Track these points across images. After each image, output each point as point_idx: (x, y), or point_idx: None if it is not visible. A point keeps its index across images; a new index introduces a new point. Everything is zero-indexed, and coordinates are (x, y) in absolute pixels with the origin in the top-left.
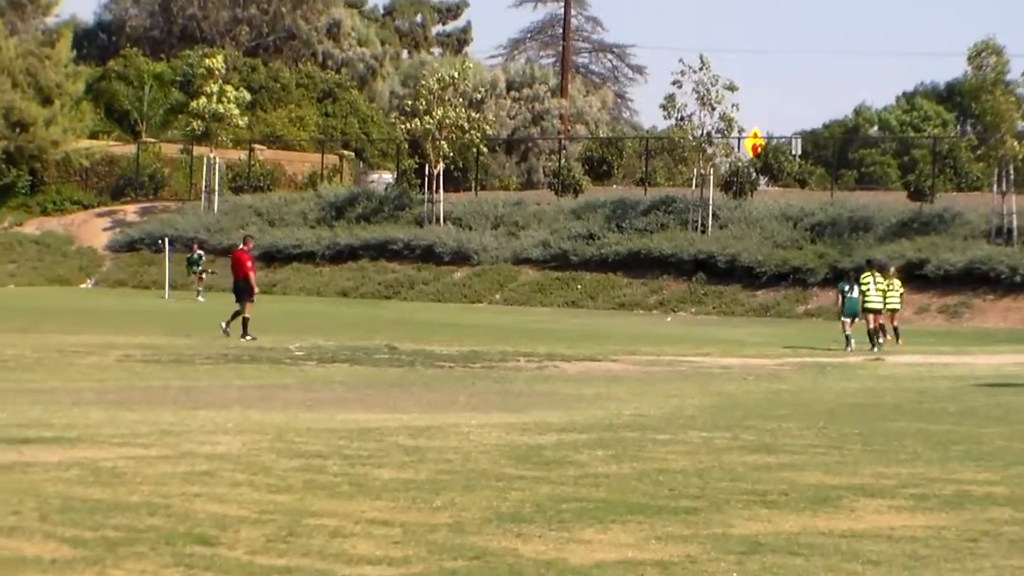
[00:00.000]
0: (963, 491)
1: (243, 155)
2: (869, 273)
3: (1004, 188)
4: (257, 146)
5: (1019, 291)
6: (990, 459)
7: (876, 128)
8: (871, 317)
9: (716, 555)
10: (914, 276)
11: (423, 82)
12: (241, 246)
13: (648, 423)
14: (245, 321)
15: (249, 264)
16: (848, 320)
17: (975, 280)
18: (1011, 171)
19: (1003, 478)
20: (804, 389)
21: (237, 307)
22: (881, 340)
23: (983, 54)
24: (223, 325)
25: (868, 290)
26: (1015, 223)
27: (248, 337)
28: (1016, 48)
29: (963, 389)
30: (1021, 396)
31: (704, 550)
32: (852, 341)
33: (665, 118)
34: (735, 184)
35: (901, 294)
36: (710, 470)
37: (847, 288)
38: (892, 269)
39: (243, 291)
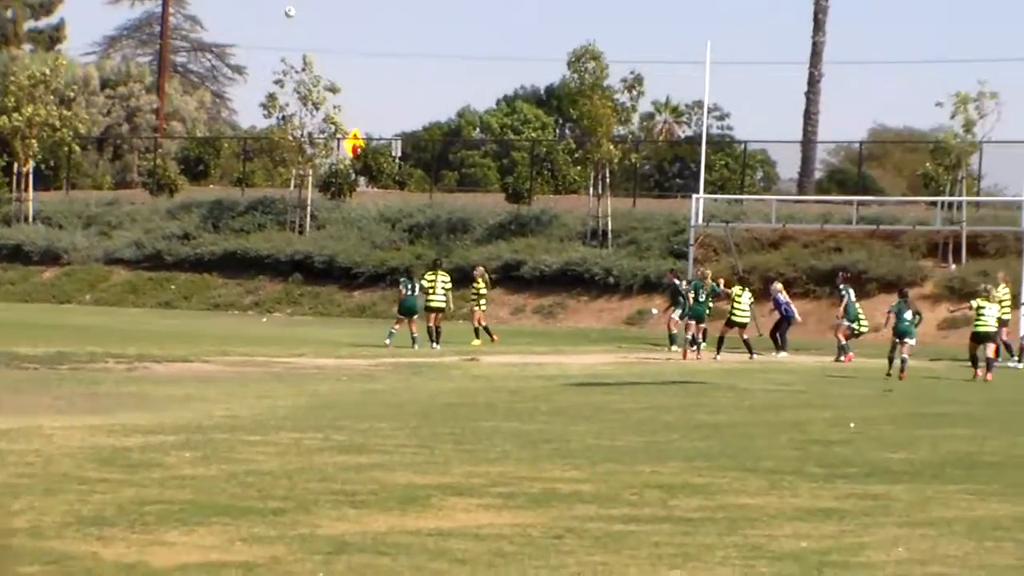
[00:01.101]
0: (551, 489)
1: None
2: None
3: (600, 191)
4: None
5: (612, 292)
6: (578, 457)
7: (478, 131)
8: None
9: (302, 556)
10: (510, 277)
11: (12, 79)
12: None
13: (239, 424)
14: None
15: None
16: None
17: (570, 281)
18: (607, 175)
19: (590, 475)
20: (398, 389)
21: None
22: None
23: (582, 59)
24: None
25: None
26: (610, 226)
27: None
28: (614, 54)
29: (555, 388)
30: (611, 395)
31: (290, 551)
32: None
33: (266, 117)
34: (334, 185)
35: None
36: (299, 471)
37: (409, 286)
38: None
39: None
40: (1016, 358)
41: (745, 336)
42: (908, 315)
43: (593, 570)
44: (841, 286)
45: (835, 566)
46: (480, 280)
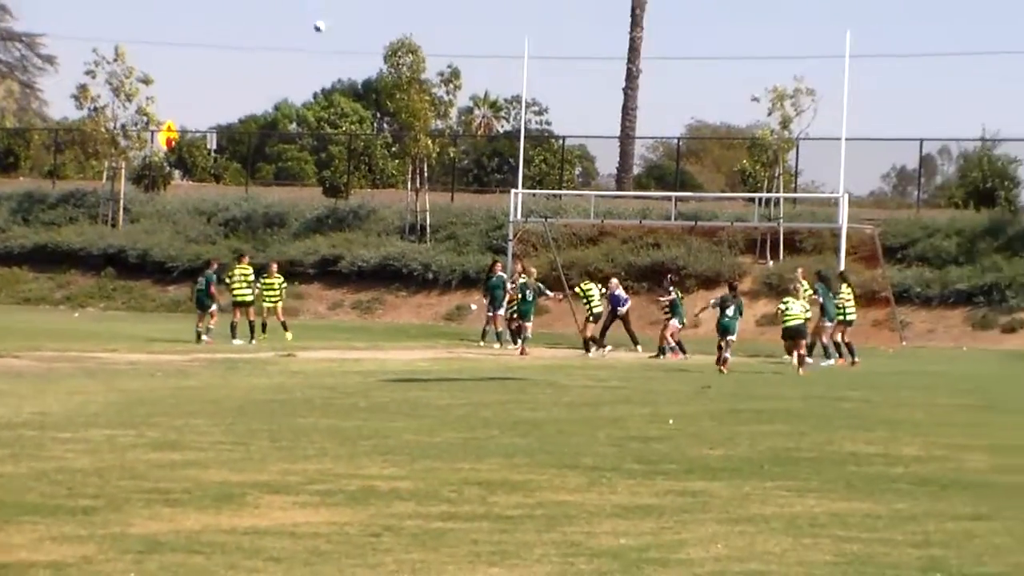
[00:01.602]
0: (369, 486)
1: None
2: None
3: (418, 185)
4: None
5: (431, 287)
6: (397, 454)
7: (294, 124)
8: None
9: (113, 555)
10: (328, 272)
11: None
12: None
13: (49, 421)
14: None
15: None
16: None
17: (389, 276)
18: (425, 169)
19: (409, 472)
20: (213, 385)
21: None
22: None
23: (399, 53)
24: None
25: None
26: (428, 220)
27: None
28: (432, 48)
29: (374, 384)
30: (430, 391)
31: (101, 550)
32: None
33: (77, 108)
34: (148, 178)
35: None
36: (111, 469)
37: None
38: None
39: None
40: (829, 359)
41: (591, 334)
42: (730, 311)
43: (411, 568)
44: (817, 286)
45: (654, 563)
46: (272, 276)
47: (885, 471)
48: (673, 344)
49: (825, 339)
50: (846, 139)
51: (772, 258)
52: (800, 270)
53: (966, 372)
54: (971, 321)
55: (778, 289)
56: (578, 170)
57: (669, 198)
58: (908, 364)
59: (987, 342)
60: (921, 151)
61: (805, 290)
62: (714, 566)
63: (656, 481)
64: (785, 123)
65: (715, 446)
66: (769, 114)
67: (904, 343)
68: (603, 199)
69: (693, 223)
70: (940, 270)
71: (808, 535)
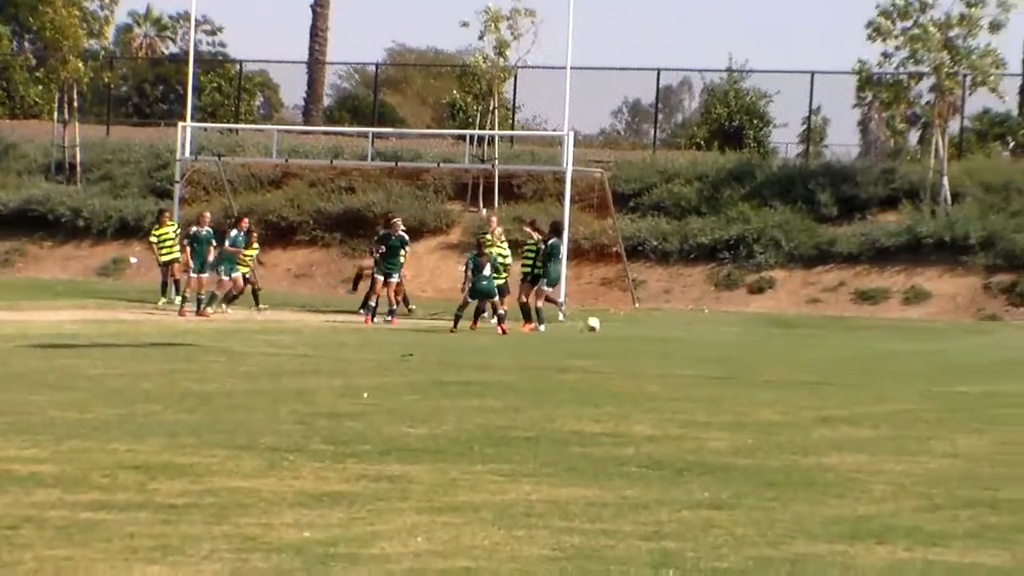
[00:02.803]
0: (5, 471)
1: None
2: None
3: (67, 116)
4: None
5: (82, 237)
6: (39, 433)
7: None
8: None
9: None
10: None
11: None
12: None
13: None
14: None
15: None
16: None
17: (31, 223)
18: (75, 97)
19: (52, 454)
20: None
21: None
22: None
23: None
24: None
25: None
26: (79, 158)
27: None
28: None
29: (12, 351)
30: (81, 358)
31: None
32: None
33: None
34: None
35: None
36: None
37: None
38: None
39: None
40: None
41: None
42: (488, 270)
43: (55, 566)
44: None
45: (343, 559)
46: None
47: (613, 453)
48: (538, 305)
49: (540, 303)
50: (572, 68)
51: (486, 205)
52: (490, 215)
53: (707, 338)
54: (714, 280)
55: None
56: (259, 100)
57: (365, 134)
58: (641, 329)
59: (731, 304)
60: (659, 83)
61: (533, 243)
62: (413, 562)
63: (347, 464)
64: (501, 49)
65: (416, 424)
66: (481, 38)
67: (637, 305)
68: (288, 135)
69: (393, 164)
70: (679, 221)
71: (523, 526)
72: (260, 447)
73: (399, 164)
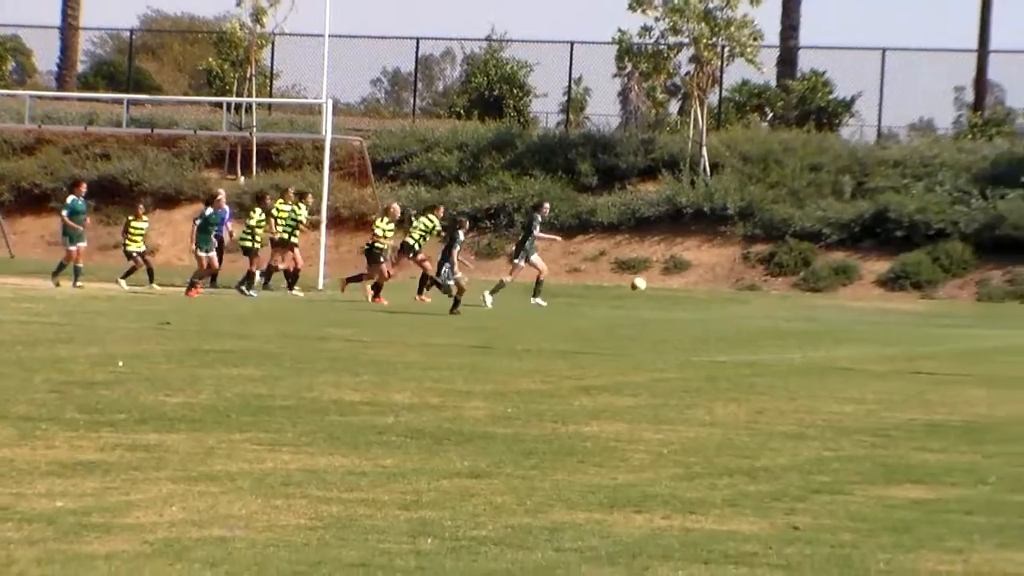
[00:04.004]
0: None
1: None
2: None
3: None
4: None
5: None
6: None
7: None
8: None
9: None
10: None
11: None
12: None
13: None
14: None
15: None
16: None
17: None
18: None
19: None
20: None
21: None
22: None
23: None
24: None
25: None
26: None
27: None
28: None
29: None
30: None
31: None
32: None
33: None
34: None
35: None
36: None
37: None
38: None
39: None
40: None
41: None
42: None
43: None
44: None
45: (96, 529)
46: None
47: (372, 421)
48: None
49: (510, 278)
50: (330, 36)
51: (244, 174)
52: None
53: (463, 308)
54: (474, 249)
55: (249, 211)
56: (11, 65)
57: (120, 101)
58: (407, 299)
59: (492, 272)
60: (417, 52)
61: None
62: (168, 532)
63: (102, 433)
64: (258, 16)
65: (173, 392)
66: (239, 5)
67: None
68: (41, 100)
69: (149, 131)
70: (439, 189)
71: (281, 495)
72: (12, 416)
73: (155, 131)
